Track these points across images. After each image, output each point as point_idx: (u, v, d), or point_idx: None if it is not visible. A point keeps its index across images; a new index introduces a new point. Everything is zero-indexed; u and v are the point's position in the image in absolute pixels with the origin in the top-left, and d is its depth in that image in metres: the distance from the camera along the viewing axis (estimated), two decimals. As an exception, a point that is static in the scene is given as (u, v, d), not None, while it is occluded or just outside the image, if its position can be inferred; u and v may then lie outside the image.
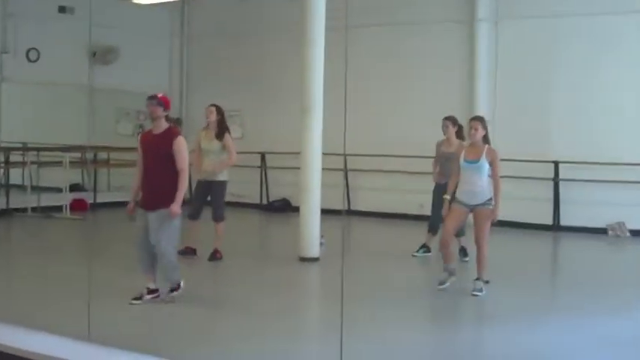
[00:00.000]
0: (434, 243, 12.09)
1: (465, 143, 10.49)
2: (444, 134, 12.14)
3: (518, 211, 15.70)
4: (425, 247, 12.41)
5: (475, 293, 9.50)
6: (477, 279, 9.62)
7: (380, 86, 17.68)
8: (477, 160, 9.62)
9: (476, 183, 9.61)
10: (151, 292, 9.04)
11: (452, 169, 10.22)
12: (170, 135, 8.87)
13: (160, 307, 8.96)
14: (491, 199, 9.57)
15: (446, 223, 9.97)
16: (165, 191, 8.72)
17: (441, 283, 9.87)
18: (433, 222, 12.29)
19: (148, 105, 8.95)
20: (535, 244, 14.77)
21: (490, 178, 9.65)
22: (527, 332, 7.98)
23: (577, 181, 15.41)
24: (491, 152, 9.66)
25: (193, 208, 11.79)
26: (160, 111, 8.90)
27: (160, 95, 9.05)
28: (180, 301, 9.08)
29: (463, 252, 11.99)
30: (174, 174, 8.75)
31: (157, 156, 8.76)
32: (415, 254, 12.38)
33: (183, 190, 8.73)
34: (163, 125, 8.94)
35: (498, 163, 9.68)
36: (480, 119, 9.95)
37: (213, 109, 11.90)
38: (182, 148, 8.80)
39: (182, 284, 9.06)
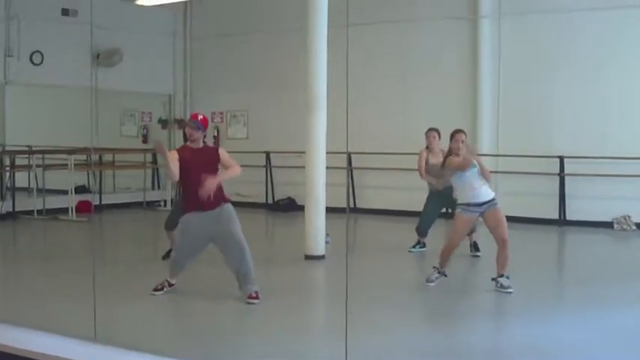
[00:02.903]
0: (428, 239, 12.20)
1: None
2: (429, 144, 12.13)
3: (524, 207, 15.74)
4: (420, 243, 12.45)
5: (509, 290, 9.40)
6: (501, 276, 9.52)
7: (383, 84, 17.68)
8: (475, 165, 9.74)
9: (478, 184, 9.70)
10: (171, 285, 9.42)
11: (445, 175, 10.34)
12: (212, 147, 9.48)
13: (165, 306, 9.00)
14: (494, 198, 9.69)
15: (456, 233, 9.98)
16: (221, 192, 9.10)
17: (429, 280, 9.91)
18: (421, 226, 12.41)
19: (189, 128, 9.14)
20: (541, 238, 14.77)
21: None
22: (535, 326, 7.97)
23: (582, 175, 15.39)
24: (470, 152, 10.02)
25: (173, 219, 10.67)
26: (198, 134, 9.17)
27: (200, 118, 9.26)
28: (187, 300, 9.13)
29: (475, 247, 11.99)
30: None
31: (208, 164, 9.01)
32: (411, 250, 12.41)
33: (228, 176, 9.13)
34: (201, 143, 9.24)
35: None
36: (463, 131, 10.05)
37: None
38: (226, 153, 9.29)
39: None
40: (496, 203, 9.66)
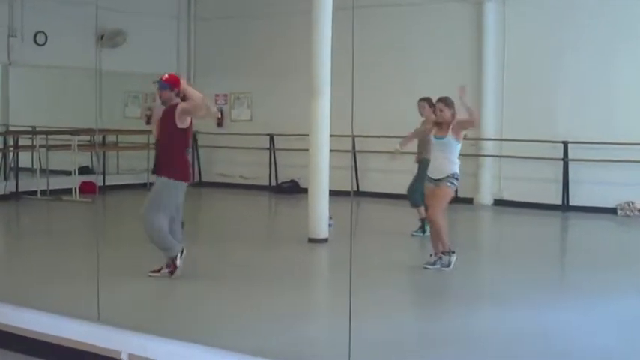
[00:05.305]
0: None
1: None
2: (421, 115, 12.24)
3: (527, 192, 15.77)
4: (423, 228, 12.40)
5: (426, 266, 9.84)
6: (434, 254, 9.85)
7: (387, 67, 17.61)
8: (443, 137, 9.79)
9: (442, 157, 9.79)
10: (169, 266, 9.30)
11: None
12: (174, 104, 9.09)
13: (168, 287, 9.01)
14: (452, 176, 9.71)
15: (427, 204, 10.23)
16: (170, 161, 9.08)
17: (428, 263, 9.94)
18: (409, 197, 12.58)
19: (157, 90, 9.18)
20: (544, 224, 14.74)
21: (455, 158, 9.83)
22: (536, 312, 7.99)
23: (586, 161, 15.36)
24: (455, 125, 9.81)
25: None
26: (166, 93, 9.11)
27: (165, 77, 9.19)
28: (191, 281, 9.12)
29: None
30: (176, 146, 9.12)
31: (164, 123, 9.13)
32: (414, 234, 12.40)
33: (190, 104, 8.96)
34: (175, 102, 9.17)
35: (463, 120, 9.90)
36: (443, 100, 10.02)
37: None
38: (185, 104, 9.00)
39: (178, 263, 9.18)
40: (446, 180, 9.76)
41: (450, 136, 9.72)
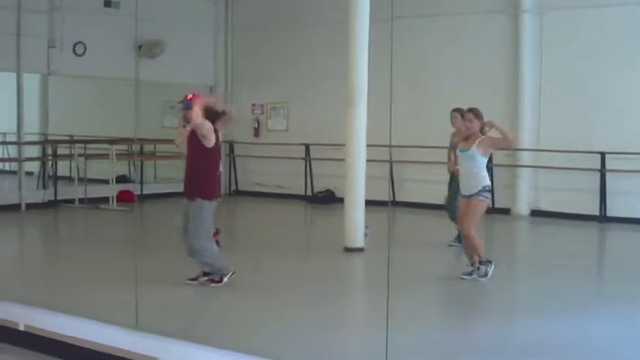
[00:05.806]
0: None
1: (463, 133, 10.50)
2: (453, 126, 12.11)
3: (565, 202, 15.67)
4: (460, 237, 12.37)
5: (462, 277, 9.75)
6: (470, 264, 9.81)
7: (423, 77, 17.61)
8: (467, 149, 9.74)
9: (469, 170, 9.74)
10: (206, 274, 9.35)
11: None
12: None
13: (206, 295, 9.06)
14: (484, 189, 9.64)
15: (459, 219, 10.12)
16: (198, 180, 9.17)
17: (465, 273, 9.88)
18: (448, 210, 12.40)
19: (181, 110, 9.33)
20: (581, 235, 14.64)
21: (486, 169, 9.80)
22: (573, 323, 7.94)
23: (623, 171, 15.25)
24: (484, 140, 9.75)
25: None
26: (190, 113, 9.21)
27: (189, 97, 9.33)
28: (227, 290, 9.17)
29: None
30: (207, 166, 9.20)
31: (191, 142, 9.21)
32: (452, 244, 12.35)
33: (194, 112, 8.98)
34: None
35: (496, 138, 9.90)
36: (473, 111, 9.95)
37: None
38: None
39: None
40: (478, 195, 9.69)
41: (474, 149, 9.65)
